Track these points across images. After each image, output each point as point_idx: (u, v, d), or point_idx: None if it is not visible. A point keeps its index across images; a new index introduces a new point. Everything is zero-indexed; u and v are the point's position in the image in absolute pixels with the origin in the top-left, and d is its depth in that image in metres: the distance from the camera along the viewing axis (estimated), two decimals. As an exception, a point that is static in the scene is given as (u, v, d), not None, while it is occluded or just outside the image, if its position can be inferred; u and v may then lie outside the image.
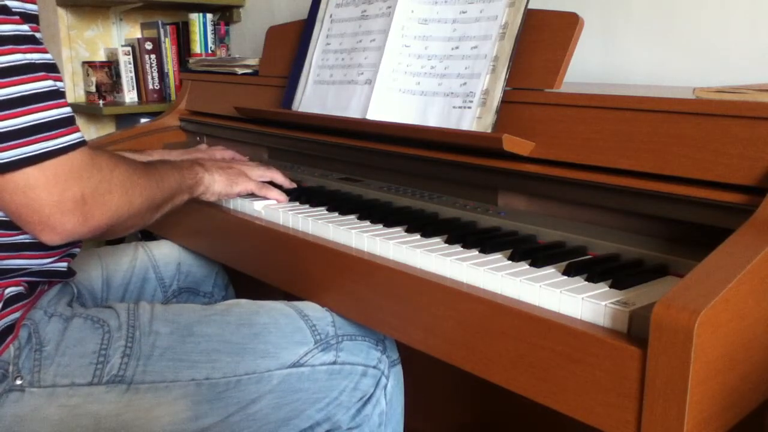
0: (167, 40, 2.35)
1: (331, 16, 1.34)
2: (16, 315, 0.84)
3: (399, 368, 1.03)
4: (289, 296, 1.03)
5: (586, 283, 0.74)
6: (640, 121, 0.86)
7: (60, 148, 0.75)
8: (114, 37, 2.45)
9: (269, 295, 1.19)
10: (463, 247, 0.87)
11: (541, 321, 0.69)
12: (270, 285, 1.08)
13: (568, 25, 0.98)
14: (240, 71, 1.64)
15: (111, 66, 2.34)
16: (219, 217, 1.16)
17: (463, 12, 1.10)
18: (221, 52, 2.37)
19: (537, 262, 0.80)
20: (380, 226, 0.98)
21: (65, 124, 0.77)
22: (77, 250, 0.93)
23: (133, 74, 2.36)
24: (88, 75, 2.31)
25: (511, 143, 0.95)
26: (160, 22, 2.34)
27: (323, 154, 1.33)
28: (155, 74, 2.36)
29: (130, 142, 1.72)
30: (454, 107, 1.07)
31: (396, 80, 1.17)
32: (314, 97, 1.33)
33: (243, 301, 1.00)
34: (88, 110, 2.34)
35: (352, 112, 1.22)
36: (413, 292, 0.82)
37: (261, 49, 1.58)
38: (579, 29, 0.98)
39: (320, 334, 0.95)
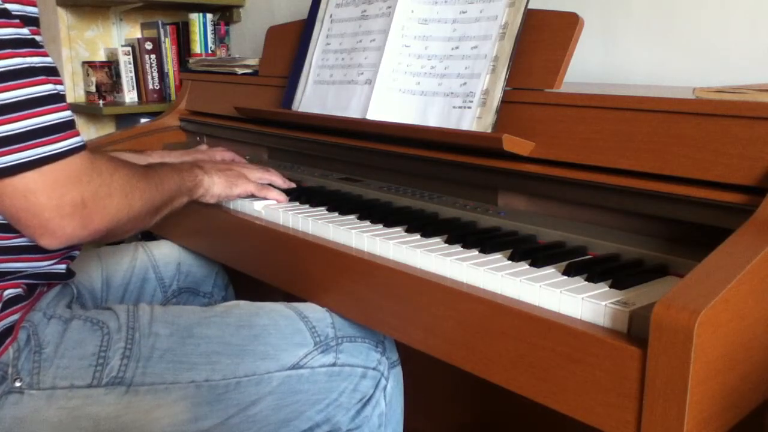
0: (167, 40, 2.35)
1: (331, 16, 1.34)
2: (15, 317, 0.84)
3: (399, 369, 1.02)
4: (289, 296, 1.03)
5: (586, 283, 0.74)
6: (640, 121, 0.86)
7: (60, 152, 0.75)
8: (114, 37, 2.45)
9: (269, 295, 1.19)
10: (463, 247, 0.87)
11: (541, 321, 0.69)
12: (270, 285, 1.08)
13: (568, 25, 0.98)
14: (240, 71, 1.64)
15: (111, 66, 2.35)
16: (219, 217, 1.16)
17: (463, 12, 1.10)
18: (221, 52, 2.37)
19: (537, 262, 0.80)
20: (380, 226, 0.98)
21: (65, 128, 0.77)
22: (77, 252, 0.93)
23: (133, 74, 2.36)
24: (88, 75, 2.31)
25: (511, 143, 0.95)
26: (160, 22, 2.34)
27: (323, 154, 1.33)
28: (155, 74, 2.36)
29: (130, 142, 1.72)
30: (454, 107, 1.07)
31: (396, 80, 1.17)
32: (314, 97, 1.33)
33: (243, 302, 1.00)
34: (88, 110, 2.34)
35: (352, 112, 1.22)
36: (413, 292, 0.82)
37: (261, 49, 1.58)
38: (579, 29, 0.98)
39: (320, 335, 0.95)
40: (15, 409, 0.81)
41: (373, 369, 0.98)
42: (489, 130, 1.01)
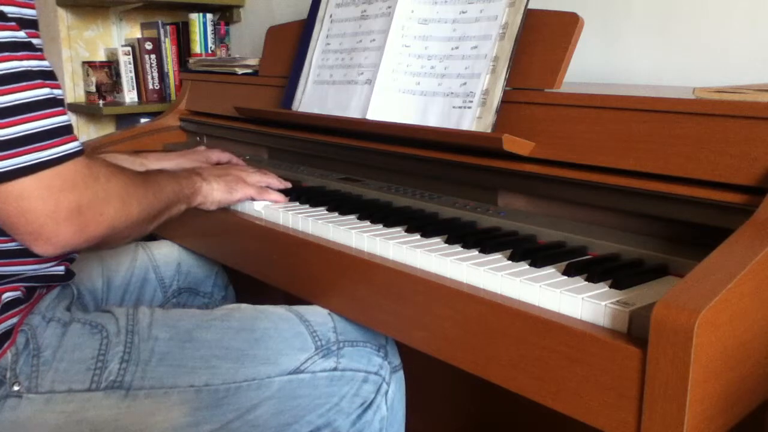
0: (167, 40, 2.35)
1: (331, 16, 1.34)
2: (14, 320, 0.84)
3: (401, 374, 1.02)
4: (289, 296, 1.03)
5: (586, 283, 0.74)
6: (640, 121, 0.86)
7: (56, 157, 0.74)
8: (114, 37, 2.45)
9: (269, 294, 1.19)
10: (463, 247, 0.87)
11: (541, 321, 0.69)
12: (270, 285, 1.08)
13: (568, 25, 0.98)
14: (240, 71, 1.64)
15: (111, 66, 2.35)
16: (219, 218, 1.16)
17: (463, 12, 1.10)
18: (221, 52, 2.37)
19: (537, 262, 0.80)
20: (380, 226, 0.98)
21: (62, 133, 0.76)
22: (76, 254, 0.93)
23: (133, 74, 2.36)
24: (88, 75, 2.31)
25: (511, 143, 0.95)
26: (160, 22, 2.34)
27: (323, 154, 1.33)
28: (155, 74, 2.36)
29: (130, 142, 1.72)
30: (454, 107, 1.07)
31: (396, 80, 1.17)
32: (314, 97, 1.33)
33: (243, 305, 0.99)
34: (88, 110, 2.34)
35: (352, 112, 1.22)
36: (413, 292, 0.82)
37: (261, 49, 1.58)
38: (579, 29, 0.98)
39: (321, 340, 0.94)
40: (13, 413, 0.81)
41: (375, 374, 0.97)
42: (489, 130, 1.01)
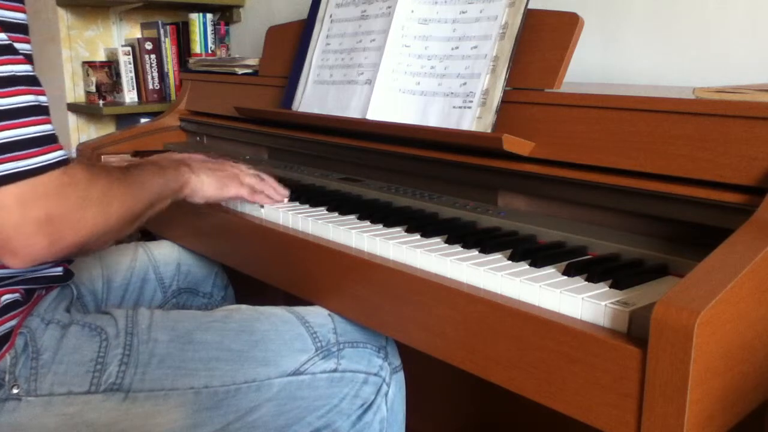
0: (167, 40, 2.35)
1: (331, 16, 1.34)
2: (13, 323, 0.83)
3: (401, 375, 1.02)
4: (288, 296, 1.03)
5: (586, 283, 0.74)
6: (640, 121, 0.86)
7: (34, 168, 0.71)
8: (114, 37, 2.45)
9: (268, 294, 1.19)
10: (463, 247, 0.87)
11: (541, 321, 0.69)
12: (269, 285, 1.07)
13: (568, 25, 0.98)
14: (240, 71, 1.64)
15: (111, 66, 2.35)
16: (219, 217, 1.16)
17: (463, 12, 1.10)
18: (221, 52, 2.37)
19: (537, 262, 0.80)
20: (380, 226, 0.98)
21: (43, 142, 0.72)
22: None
23: (133, 74, 2.36)
24: (88, 75, 2.31)
25: (511, 143, 0.95)
26: (160, 22, 2.34)
27: (323, 154, 1.33)
28: (155, 74, 2.36)
29: (130, 142, 1.72)
30: (454, 107, 1.07)
31: (396, 80, 1.17)
32: (314, 97, 1.33)
33: (243, 307, 0.99)
34: (88, 110, 2.34)
35: (352, 112, 1.22)
36: (413, 292, 0.82)
37: (261, 49, 1.58)
38: (579, 29, 0.98)
39: (321, 341, 0.94)
40: (13, 416, 0.81)
41: (375, 375, 0.97)
42: (489, 130, 1.01)
